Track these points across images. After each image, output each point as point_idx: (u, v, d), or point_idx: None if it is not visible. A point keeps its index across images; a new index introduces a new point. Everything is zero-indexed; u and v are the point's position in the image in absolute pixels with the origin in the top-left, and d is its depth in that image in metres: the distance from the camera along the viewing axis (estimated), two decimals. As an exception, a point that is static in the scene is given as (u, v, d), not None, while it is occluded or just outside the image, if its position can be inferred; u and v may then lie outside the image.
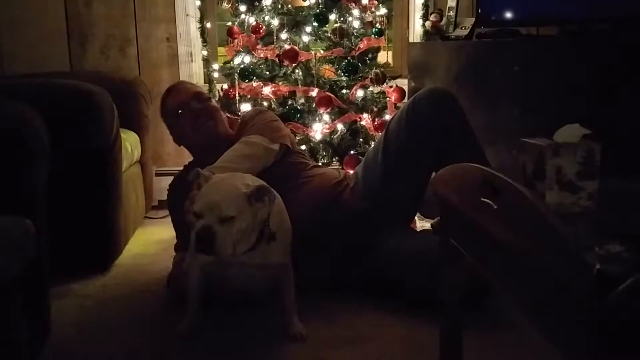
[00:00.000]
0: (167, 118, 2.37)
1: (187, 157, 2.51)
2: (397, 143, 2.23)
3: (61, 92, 2.27)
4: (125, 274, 2.43)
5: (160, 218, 3.18)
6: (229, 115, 2.92)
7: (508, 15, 3.09)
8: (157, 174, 3.38)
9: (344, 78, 3.13)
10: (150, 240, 2.85)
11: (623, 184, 1.47)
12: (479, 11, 3.17)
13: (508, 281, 1.23)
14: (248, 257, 1.76)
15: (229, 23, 3.22)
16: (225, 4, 3.22)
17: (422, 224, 2.92)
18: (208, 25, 3.52)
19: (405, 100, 3.02)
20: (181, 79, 3.55)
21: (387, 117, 3.09)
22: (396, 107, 3.11)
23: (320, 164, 2.82)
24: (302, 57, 3.05)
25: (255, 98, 3.11)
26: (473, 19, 3.22)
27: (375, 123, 3.09)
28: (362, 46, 3.14)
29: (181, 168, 2.47)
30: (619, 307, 0.81)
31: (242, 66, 3.10)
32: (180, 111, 2.32)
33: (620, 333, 0.86)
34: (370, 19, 3.19)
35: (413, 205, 2.38)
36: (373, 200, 2.24)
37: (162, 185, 2.84)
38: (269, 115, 2.39)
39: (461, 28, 3.23)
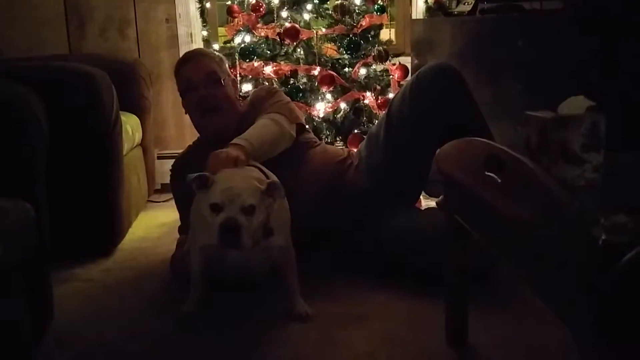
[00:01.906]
0: (178, 86, 2.31)
1: (189, 140, 2.50)
2: (401, 120, 2.21)
3: (60, 75, 2.25)
4: (128, 258, 2.42)
5: (163, 202, 3.17)
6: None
7: (511, -11, 3.04)
8: (159, 157, 3.36)
9: (346, 56, 3.10)
10: (153, 224, 2.84)
11: (628, 156, 1.45)
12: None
13: (513, 255, 1.22)
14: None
15: (229, 2, 3.19)
16: (224, -17, 3.18)
17: (427, 202, 2.91)
18: (208, 5, 3.48)
19: (409, 77, 2.99)
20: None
21: (391, 95, 3.06)
22: (399, 85, 3.09)
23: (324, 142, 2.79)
24: (304, 36, 3.02)
25: (256, 78, 3.08)
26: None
27: (379, 101, 3.07)
28: (364, 23, 3.11)
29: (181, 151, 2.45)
30: (624, 277, 0.80)
31: (242, 46, 3.07)
32: (189, 90, 2.25)
33: (625, 303, 0.85)
34: (372, -5, 3.15)
35: (418, 184, 2.36)
36: (378, 179, 2.22)
37: (165, 169, 2.83)
38: (284, 96, 2.35)
39: (464, 4, 3.18)
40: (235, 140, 1.92)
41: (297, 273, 1.88)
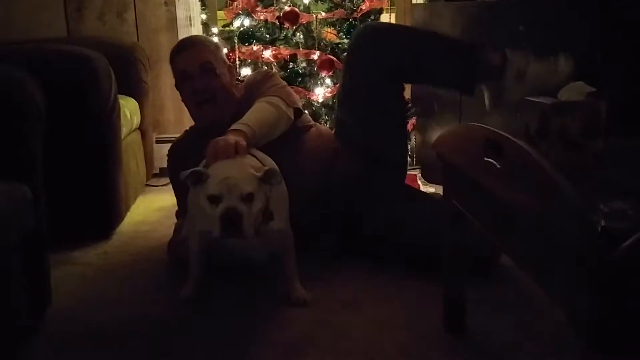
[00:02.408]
0: (174, 75, 2.28)
1: (188, 124, 2.48)
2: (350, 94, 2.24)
3: (58, 58, 2.24)
4: (126, 242, 2.41)
5: (161, 186, 3.16)
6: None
7: (513, -26, 3.02)
8: (157, 141, 3.35)
9: (346, 40, 3.09)
10: (151, 208, 2.84)
11: (628, 142, 1.44)
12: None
13: (512, 241, 1.22)
14: None
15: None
16: (223, -34, 3.16)
17: (425, 188, 2.91)
18: (207, -12, 3.46)
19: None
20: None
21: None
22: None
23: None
24: (303, 19, 3.01)
25: (255, 62, 3.07)
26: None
27: (378, 86, 3.05)
28: (364, 7, 3.09)
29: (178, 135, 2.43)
30: (623, 263, 0.80)
31: (241, 29, 3.06)
32: (184, 80, 2.21)
33: (623, 289, 0.84)
34: (372, -21, 3.13)
35: (399, 156, 2.35)
36: (359, 159, 2.21)
37: (163, 153, 2.81)
38: (280, 80, 2.33)
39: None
40: (234, 126, 1.90)
41: (296, 258, 1.87)
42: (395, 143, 2.30)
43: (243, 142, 1.80)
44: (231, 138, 1.79)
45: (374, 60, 2.15)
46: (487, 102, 2.18)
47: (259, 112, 2.04)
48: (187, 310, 1.81)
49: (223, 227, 1.59)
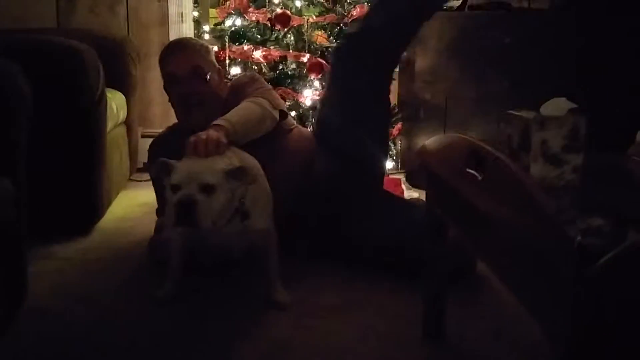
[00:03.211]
0: (162, 76, 2.28)
1: (174, 119, 2.48)
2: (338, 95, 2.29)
3: (45, 49, 2.23)
4: (106, 237, 2.40)
5: (144, 181, 3.14)
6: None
7: (502, -14, 3.05)
8: (143, 136, 3.34)
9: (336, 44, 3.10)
10: (134, 204, 2.83)
11: (607, 158, 1.47)
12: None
13: (491, 252, 1.24)
14: (226, 227, 1.73)
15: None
16: (217, -36, 3.16)
17: (409, 193, 2.93)
18: (200, -15, 3.46)
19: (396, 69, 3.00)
20: (171, 40, 3.50)
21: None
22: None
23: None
24: (294, 22, 3.02)
25: (245, 61, 3.08)
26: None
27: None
28: (355, 13, 3.11)
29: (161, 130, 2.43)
30: (598, 280, 0.81)
31: (233, 29, 3.06)
32: (172, 83, 2.20)
33: (599, 306, 0.86)
34: (363, -15, 3.15)
35: (379, 161, 2.37)
36: (340, 163, 2.22)
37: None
38: (265, 83, 2.34)
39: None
40: (216, 121, 1.89)
41: (278, 259, 1.87)
42: (376, 148, 2.32)
43: (224, 139, 1.79)
44: (213, 134, 1.78)
45: (359, 59, 2.21)
46: None
47: (243, 110, 2.03)
48: (165, 310, 1.80)
49: (177, 214, 1.58)
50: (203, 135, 1.77)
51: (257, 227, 1.79)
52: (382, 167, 2.44)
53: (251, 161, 1.85)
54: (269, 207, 1.86)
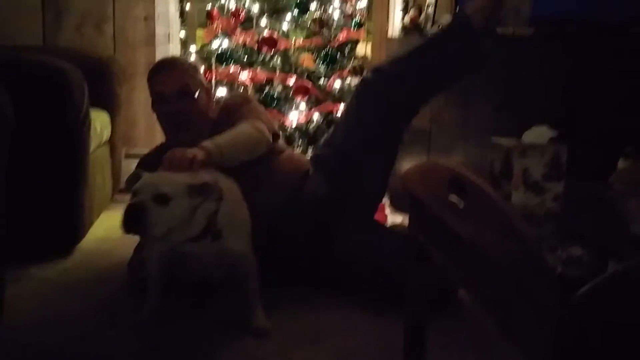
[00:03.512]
0: (150, 94, 2.26)
1: (159, 140, 2.48)
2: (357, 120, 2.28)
3: (30, 68, 2.22)
4: (87, 259, 2.38)
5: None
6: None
7: (487, 13, 3.08)
8: (126, 156, 3.33)
9: (322, 68, 3.12)
10: (115, 225, 2.73)
11: (588, 187, 1.48)
12: (457, 9, 3.16)
13: (472, 281, 1.23)
14: (198, 246, 1.73)
15: (209, 5, 3.18)
16: (205, -14, 3.18)
17: (393, 217, 2.93)
18: (187, 6, 3.47)
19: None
20: (157, 60, 3.50)
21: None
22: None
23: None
24: (281, 45, 3.04)
25: (232, 83, 3.08)
26: (451, 16, 3.21)
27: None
28: (341, 37, 3.14)
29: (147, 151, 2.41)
30: (578, 311, 0.81)
31: (220, 50, 3.07)
32: (160, 101, 2.19)
33: (579, 337, 0.86)
34: (350, 11, 3.19)
35: (377, 193, 2.37)
36: (335, 187, 2.22)
37: (131, 168, 2.80)
38: (258, 105, 2.34)
39: (439, 25, 3.22)
40: (204, 142, 1.89)
41: (257, 284, 1.85)
42: (380, 179, 2.34)
43: (201, 157, 1.78)
44: (190, 151, 1.78)
45: (385, 99, 2.24)
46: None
47: (235, 133, 2.03)
48: (143, 333, 1.78)
49: (124, 219, 1.57)
50: (179, 151, 1.76)
51: (233, 250, 1.78)
52: (380, 198, 2.45)
53: (227, 184, 1.84)
54: (246, 231, 1.85)
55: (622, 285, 0.81)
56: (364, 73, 2.37)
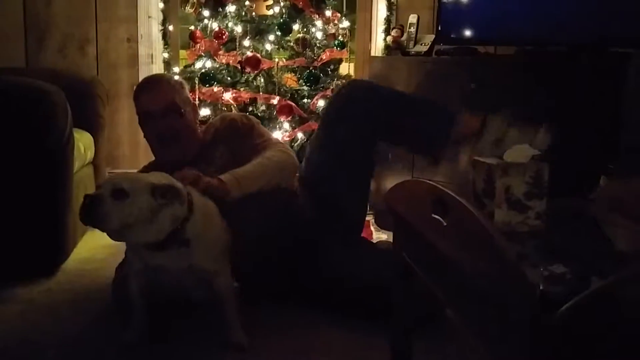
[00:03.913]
0: (137, 112, 2.24)
1: (143, 160, 2.48)
2: (333, 138, 2.27)
3: (13, 90, 2.22)
4: (71, 279, 2.36)
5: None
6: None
7: (467, 33, 3.14)
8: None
9: (305, 87, 3.14)
10: (99, 245, 2.78)
11: (571, 204, 1.49)
12: (439, 28, 3.21)
13: (455, 299, 1.24)
14: (166, 257, 1.74)
15: (192, 27, 3.20)
16: (188, 8, 3.20)
17: (378, 235, 2.94)
18: (170, 27, 3.49)
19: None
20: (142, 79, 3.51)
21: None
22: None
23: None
24: (264, 65, 3.06)
25: (215, 103, 3.09)
26: (433, 36, 3.26)
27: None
28: (324, 57, 3.16)
29: (135, 170, 2.41)
30: (560, 329, 0.82)
31: (203, 71, 3.08)
32: (147, 119, 2.19)
33: (560, 355, 0.87)
34: (333, 31, 3.22)
35: (357, 210, 2.37)
36: (318, 206, 2.23)
37: (115, 188, 2.80)
38: (265, 129, 2.37)
39: (421, 44, 3.26)
40: (221, 175, 1.95)
41: (235, 301, 1.85)
42: (358, 200, 2.33)
43: (205, 180, 1.87)
44: (201, 177, 1.88)
45: (354, 117, 2.21)
46: (460, 162, 2.21)
47: (265, 161, 2.10)
48: (128, 353, 1.78)
49: (81, 209, 1.60)
50: (180, 173, 1.84)
51: (202, 266, 1.79)
52: (362, 213, 2.44)
53: (201, 199, 1.84)
54: (218, 250, 1.85)
55: (604, 302, 0.83)
56: (341, 89, 2.36)
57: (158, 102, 2.16)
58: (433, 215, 1.26)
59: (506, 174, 1.34)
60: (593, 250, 1.26)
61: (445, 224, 1.21)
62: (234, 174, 1.99)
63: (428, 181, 1.34)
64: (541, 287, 0.90)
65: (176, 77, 3.27)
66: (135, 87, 2.27)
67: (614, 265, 1.16)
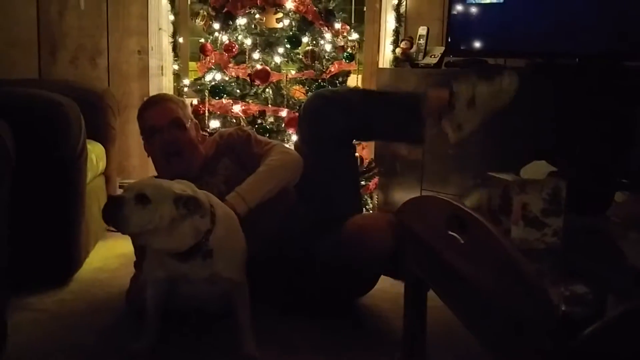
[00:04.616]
0: (140, 129, 2.30)
1: (153, 171, 2.48)
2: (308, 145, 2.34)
3: (29, 102, 2.23)
4: (83, 289, 2.37)
5: (121, 232, 3.13)
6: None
7: (477, 45, 3.14)
8: (121, 187, 3.34)
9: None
10: (111, 255, 2.80)
11: (587, 221, 1.50)
12: (449, 40, 3.22)
13: (471, 317, 1.25)
14: (189, 267, 1.76)
15: (202, 40, 3.22)
16: (199, 20, 3.21)
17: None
18: (180, 40, 3.51)
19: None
20: (151, 92, 3.53)
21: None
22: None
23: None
24: (274, 78, 3.07)
25: (224, 115, 3.11)
26: (442, 48, 3.27)
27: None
28: (333, 69, 3.17)
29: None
30: (585, 350, 0.82)
31: (213, 83, 3.10)
32: (152, 134, 2.24)
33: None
34: (342, 43, 3.22)
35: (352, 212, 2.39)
36: (315, 211, 2.25)
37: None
38: (265, 139, 2.41)
39: (430, 56, 3.27)
40: (229, 195, 2.01)
41: (249, 312, 1.86)
42: (347, 204, 2.34)
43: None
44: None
45: (323, 128, 2.27)
46: (450, 135, 2.24)
47: (266, 170, 2.16)
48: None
49: (104, 209, 1.66)
50: None
51: (225, 275, 1.80)
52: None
53: (225, 211, 1.88)
54: (240, 260, 1.87)
55: (626, 325, 0.83)
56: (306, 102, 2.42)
57: (163, 117, 2.22)
58: (450, 233, 1.26)
59: (523, 190, 1.35)
60: (609, 268, 1.27)
61: (462, 241, 1.22)
62: (238, 191, 2.05)
63: (443, 197, 1.36)
64: (563, 308, 0.91)
65: (185, 91, 3.34)
66: (139, 107, 2.33)
67: (631, 282, 1.16)
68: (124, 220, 1.63)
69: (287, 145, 2.37)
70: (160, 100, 2.31)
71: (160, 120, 2.21)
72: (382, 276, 2.26)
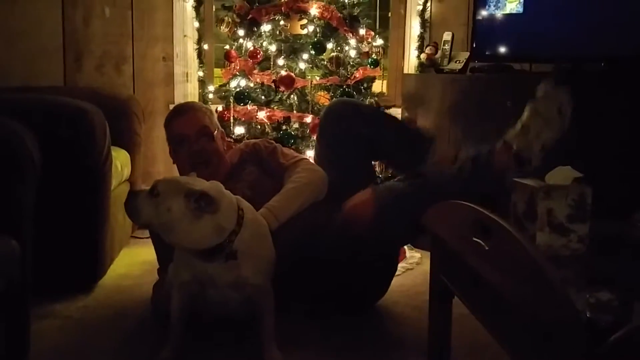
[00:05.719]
0: (168, 138, 2.32)
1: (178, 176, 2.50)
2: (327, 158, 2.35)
3: (54, 109, 2.26)
4: (108, 296, 2.39)
5: (146, 238, 3.12)
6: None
7: (502, 50, 3.12)
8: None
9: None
10: (135, 261, 2.82)
11: (613, 227, 1.47)
12: (474, 46, 3.20)
13: (496, 322, 1.23)
14: (214, 268, 1.76)
15: (227, 46, 3.23)
16: (223, 27, 3.22)
17: (411, 254, 2.92)
18: (205, 46, 3.53)
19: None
20: (176, 99, 3.56)
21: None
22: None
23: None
24: (298, 84, 3.07)
25: (249, 122, 3.11)
26: (467, 54, 3.24)
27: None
28: (357, 75, 3.16)
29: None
30: (610, 357, 0.81)
31: (237, 89, 3.10)
32: (180, 143, 2.26)
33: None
34: (366, 49, 3.21)
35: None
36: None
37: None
38: (291, 151, 2.43)
39: (455, 62, 3.25)
40: (261, 210, 2.02)
41: (274, 319, 1.86)
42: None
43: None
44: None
45: (344, 127, 2.28)
46: None
47: (295, 187, 2.17)
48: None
49: (125, 202, 1.77)
50: None
51: (250, 280, 1.80)
52: None
53: (254, 215, 1.89)
54: (266, 267, 1.87)
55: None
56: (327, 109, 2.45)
57: (192, 126, 2.24)
58: (474, 239, 1.25)
59: (548, 196, 1.33)
60: (635, 274, 1.24)
61: (487, 247, 1.20)
62: (269, 207, 2.06)
63: (469, 204, 1.34)
64: (589, 315, 0.89)
65: (210, 97, 3.35)
66: (167, 116, 2.35)
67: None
68: (134, 211, 1.72)
69: (310, 161, 2.36)
70: (188, 109, 2.33)
71: (188, 130, 2.23)
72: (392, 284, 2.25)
